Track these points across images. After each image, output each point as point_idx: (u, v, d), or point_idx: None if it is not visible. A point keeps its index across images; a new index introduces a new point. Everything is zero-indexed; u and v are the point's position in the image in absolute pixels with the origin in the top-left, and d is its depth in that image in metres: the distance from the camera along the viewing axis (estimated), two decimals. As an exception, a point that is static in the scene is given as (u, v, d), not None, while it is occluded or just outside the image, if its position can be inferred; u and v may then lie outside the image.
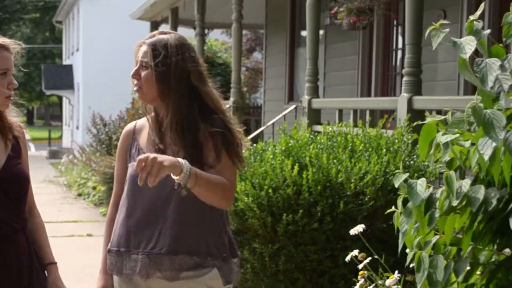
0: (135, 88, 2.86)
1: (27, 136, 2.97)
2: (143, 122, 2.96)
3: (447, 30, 2.30)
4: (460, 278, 2.21)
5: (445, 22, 2.34)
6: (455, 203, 2.11)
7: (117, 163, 2.99)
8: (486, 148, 2.02)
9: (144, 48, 2.85)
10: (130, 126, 3.00)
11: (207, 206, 2.81)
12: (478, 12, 2.32)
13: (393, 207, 2.43)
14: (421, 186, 2.23)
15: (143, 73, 2.82)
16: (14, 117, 2.84)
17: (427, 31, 2.34)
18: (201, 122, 2.80)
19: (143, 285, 2.84)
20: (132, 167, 2.84)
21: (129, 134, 2.96)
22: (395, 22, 10.05)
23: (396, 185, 2.27)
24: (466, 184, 2.12)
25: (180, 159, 2.59)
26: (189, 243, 2.80)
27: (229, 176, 2.79)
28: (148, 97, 2.84)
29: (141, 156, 2.50)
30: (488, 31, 2.28)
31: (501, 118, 2.05)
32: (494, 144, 2.01)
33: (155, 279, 2.81)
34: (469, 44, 2.20)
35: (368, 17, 8.53)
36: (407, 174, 2.28)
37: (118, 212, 2.91)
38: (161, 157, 2.53)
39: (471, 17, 2.29)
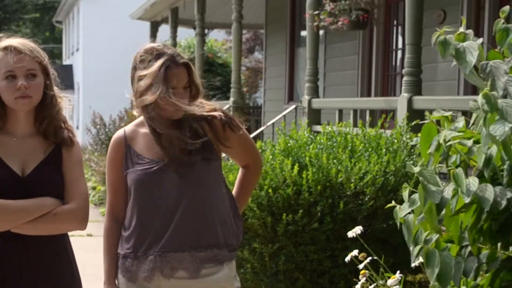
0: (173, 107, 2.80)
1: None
2: (133, 128, 2.95)
3: (451, 36, 2.29)
4: (471, 277, 2.20)
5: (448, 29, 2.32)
6: (466, 200, 2.09)
7: (111, 173, 2.95)
8: (500, 130, 2.01)
9: (185, 76, 2.86)
10: (119, 134, 2.96)
11: (218, 197, 2.87)
12: (463, 24, 2.31)
13: (393, 202, 2.42)
14: (437, 183, 2.20)
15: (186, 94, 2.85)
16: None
17: (434, 39, 2.32)
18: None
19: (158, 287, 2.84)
20: (134, 172, 2.85)
21: (121, 142, 2.93)
22: (395, 22, 10.05)
23: (416, 172, 2.23)
24: (474, 182, 2.11)
25: None
26: (208, 236, 2.82)
27: (251, 144, 3.05)
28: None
29: None
30: (480, 40, 2.27)
31: None
32: (508, 125, 2.00)
33: (172, 280, 2.81)
34: (470, 53, 2.18)
35: (346, 18, 8.49)
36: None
37: (127, 219, 2.90)
38: None
39: (460, 29, 2.28)
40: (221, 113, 2.91)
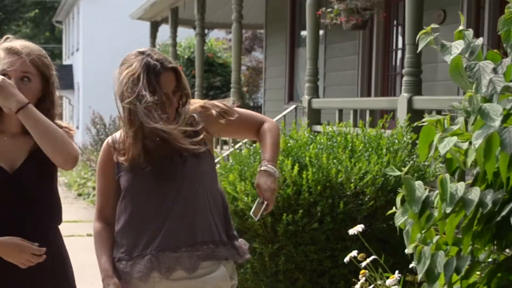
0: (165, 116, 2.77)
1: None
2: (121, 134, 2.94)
3: (437, 34, 2.30)
4: (461, 274, 2.21)
5: (436, 26, 2.34)
6: (448, 210, 2.12)
7: (101, 178, 2.91)
8: (479, 137, 2.02)
9: (174, 80, 2.81)
10: (109, 139, 2.96)
11: (212, 193, 2.85)
12: (462, 23, 2.32)
13: (393, 208, 2.44)
14: (419, 189, 2.23)
15: (174, 99, 2.82)
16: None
17: (418, 36, 2.35)
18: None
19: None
20: (126, 174, 2.84)
21: (109, 147, 2.91)
22: (395, 22, 10.05)
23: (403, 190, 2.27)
24: (461, 187, 2.13)
25: (272, 175, 2.83)
26: (203, 232, 2.81)
27: (250, 114, 3.02)
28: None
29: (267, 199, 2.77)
30: (480, 40, 2.27)
31: (497, 108, 2.05)
32: (489, 131, 2.01)
33: (169, 281, 2.80)
34: (456, 48, 2.20)
35: (357, 17, 8.51)
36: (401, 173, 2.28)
37: (120, 221, 2.88)
38: (273, 188, 2.79)
39: (460, 27, 2.28)
40: (210, 105, 2.90)
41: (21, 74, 2.69)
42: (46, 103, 2.77)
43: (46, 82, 2.77)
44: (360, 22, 8.55)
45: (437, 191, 2.21)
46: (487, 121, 2.01)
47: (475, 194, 2.10)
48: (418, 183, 2.25)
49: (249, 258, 2.99)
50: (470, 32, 2.26)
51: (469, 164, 2.14)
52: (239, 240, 2.95)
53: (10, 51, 2.70)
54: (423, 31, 2.29)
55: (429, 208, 2.24)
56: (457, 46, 2.19)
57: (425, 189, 2.27)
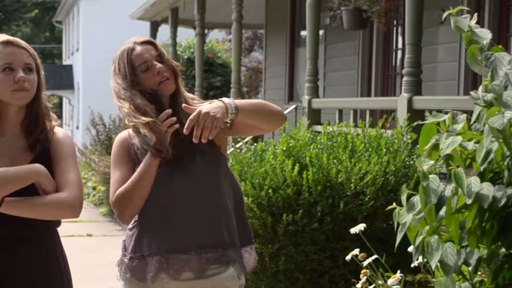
0: (163, 80, 2.83)
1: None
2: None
3: (467, 15, 2.33)
4: (471, 268, 2.21)
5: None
6: (468, 201, 2.10)
7: (120, 168, 2.86)
8: (499, 121, 2.03)
9: (153, 50, 2.88)
10: (123, 132, 2.96)
11: (222, 193, 2.84)
12: (474, 21, 2.33)
13: (394, 204, 2.43)
14: (433, 183, 2.20)
15: (167, 71, 2.86)
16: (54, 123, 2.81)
17: (444, 14, 2.36)
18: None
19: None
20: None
21: (125, 138, 2.91)
22: (395, 22, 10.05)
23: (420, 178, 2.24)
24: (475, 181, 2.12)
25: (220, 103, 2.67)
26: (213, 235, 2.81)
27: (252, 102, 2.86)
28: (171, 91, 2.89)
29: (192, 116, 2.60)
30: (489, 35, 2.28)
31: None
32: (507, 116, 2.02)
33: (177, 282, 2.80)
34: (485, 36, 2.21)
35: (387, 18, 8.57)
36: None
37: (131, 221, 2.88)
38: (210, 110, 2.62)
39: (471, 23, 2.30)
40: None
41: (25, 66, 2.69)
42: (40, 97, 2.75)
43: (38, 75, 2.76)
44: (385, 21, 8.63)
45: (449, 187, 2.19)
46: (509, 108, 2.03)
47: (487, 189, 2.10)
48: (433, 177, 2.23)
49: (253, 269, 2.97)
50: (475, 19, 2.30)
51: (478, 161, 2.13)
52: (252, 248, 2.94)
53: (11, 44, 2.69)
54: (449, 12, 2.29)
55: (443, 205, 2.22)
56: (503, 61, 2.19)
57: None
